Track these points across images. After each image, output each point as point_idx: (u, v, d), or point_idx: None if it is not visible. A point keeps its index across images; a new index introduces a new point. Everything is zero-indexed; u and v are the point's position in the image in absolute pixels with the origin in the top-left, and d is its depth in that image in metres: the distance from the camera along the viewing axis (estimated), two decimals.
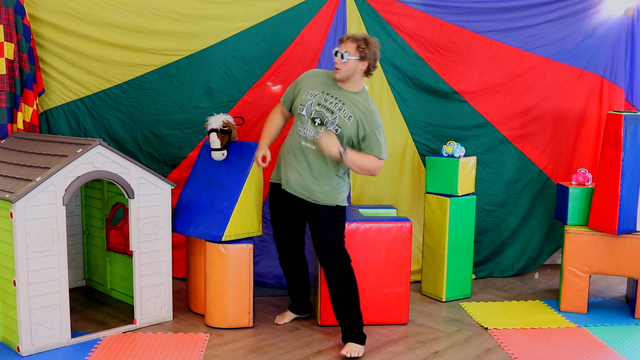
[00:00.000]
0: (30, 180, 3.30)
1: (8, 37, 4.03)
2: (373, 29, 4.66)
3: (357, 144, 3.43)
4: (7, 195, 3.22)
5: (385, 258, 3.88)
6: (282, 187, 3.57)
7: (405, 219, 3.92)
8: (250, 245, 3.78)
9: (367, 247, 3.84)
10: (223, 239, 3.71)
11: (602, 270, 4.16)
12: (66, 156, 3.42)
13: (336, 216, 3.52)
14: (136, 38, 4.31)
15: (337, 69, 3.38)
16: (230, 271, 3.75)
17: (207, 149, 4.06)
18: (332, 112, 3.39)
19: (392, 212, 4.23)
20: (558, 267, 5.27)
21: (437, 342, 3.71)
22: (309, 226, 3.62)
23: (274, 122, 3.68)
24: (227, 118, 3.96)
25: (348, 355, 3.41)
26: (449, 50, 4.75)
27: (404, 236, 3.88)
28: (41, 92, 4.24)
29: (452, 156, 4.41)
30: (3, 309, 3.46)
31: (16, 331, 3.34)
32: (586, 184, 4.35)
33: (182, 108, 4.49)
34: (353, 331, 3.52)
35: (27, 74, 4.10)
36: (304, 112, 3.45)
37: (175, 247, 4.10)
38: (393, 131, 4.77)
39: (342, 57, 3.33)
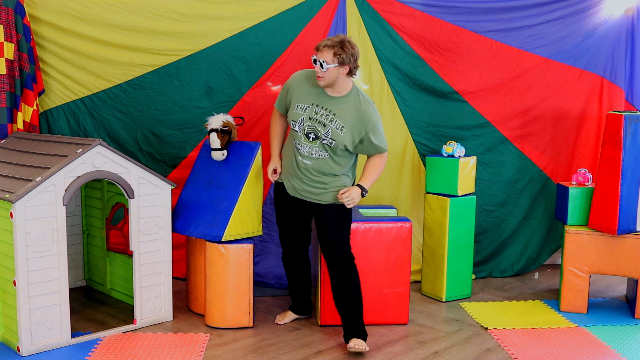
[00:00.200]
0: (30, 180, 3.30)
1: (8, 37, 4.03)
2: (373, 29, 4.67)
3: (354, 147, 3.44)
4: (7, 195, 3.22)
5: (385, 258, 3.88)
6: (290, 194, 3.58)
7: (405, 219, 3.92)
8: (250, 245, 3.78)
9: (367, 247, 3.84)
10: (223, 239, 3.71)
11: (602, 270, 4.16)
12: (66, 156, 3.42)
13: (343, 214, 3.53)
14: (136, 38, 4.31)
15: (318, 77, 3.35)
16: (230, 271, 3.75)
17: (207, 149, 4.06)
18: (324, 125, 3.39)
19: (392, 212, 4.23)
20: (558, 267, 5.27)
21: (437, 342, 3.71)
22: (316, 225, 3.63)
23: (277, 127, 3.69)
24: (227, 118, 3.96)
25: (355, 349, 3.43)
26: (449, 50, 4.75)
27: (404, 236, 3.88)
28: (41, 92, 4.24)
29: (452, 156, 4.41)
30: (3, 309, 3.46)
31: (16, 331, 3.34)
32: (586, 184, 4.35)
33: (182, 108, 4.49)
34: (356, 328, 3.53)
35: (27, 74, 4.10)
36: (297, 129, 3.46)
37: (175, 247, 4.10)
38: (393, 131, 4.77)
39: (321, 66, 3.29)
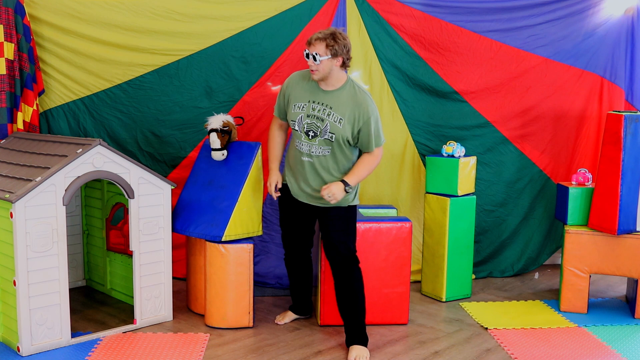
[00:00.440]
0: (30, 180, 3.30)
1: (8, 37, 4.03)
2: (373, 29, 4.67)
3: (354, 139, 3.40)
4: (7, 195, 3.22)
5: (385, 258, 3.88)
6: (294, 196, 3.58)
7: (405, 219, 3.92)
8: (250, 245, 3.78)
9: (367, 247, 3.84)
10: (223, 239, 3.71)
11: (602, 270, 4.16)
12: (66, 156, 3.42)
13: (348, 216, 3.51)
14: (136, 38, 4.31)
15: (312, 71, 3.34)
16: (230, 271, 3.75)
17: (207, 149, 4.06)
18: (322, 120, 3.37)
19: (392, 212, 4.23)
20: (558, 267, 5.27)
21: (437, 342, 3.71)
22: (320, 228, 3.61)
23: (276, 139, 3.66)
24: (227, 118, 3.96)
25: None
26: (449, 50, 4.75)
27: (404, 236, 3.88)
28: (41, 92, 4.24)
29: (452, 156, 4.41)
30: (3, 309, 3.46)
31: (16, 331, 3.34)
32: (586, 184, 4.35)
33: (182, 108, 4.49)
34: (357, 333, 3.52)
35: (27, 74, 4.10)
36: (297, 128, 3.45)
37: (175, 247, 4.11)
38: (393, 131, 4.77)
39: (314, 59, 3.29)
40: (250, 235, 3.86)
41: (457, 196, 4.35)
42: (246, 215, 3.81)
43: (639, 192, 4.09)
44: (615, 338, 3.79)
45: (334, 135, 3.36)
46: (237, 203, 3.75)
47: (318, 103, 3.40)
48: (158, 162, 4.54)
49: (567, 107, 4.97)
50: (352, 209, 3.52)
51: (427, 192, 4.46)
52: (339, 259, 3.49)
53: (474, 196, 4.47)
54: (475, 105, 4.85)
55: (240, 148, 3.93)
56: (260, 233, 3.94)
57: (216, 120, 3.89)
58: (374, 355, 3.50)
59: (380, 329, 3.87)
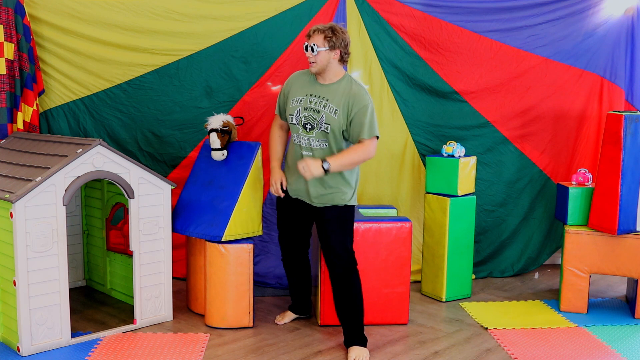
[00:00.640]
0: (30, 180, 3.30)
1: (8, 37, 4.03)
2: (373, 29, 4.67)
3: (347, 130, 3.39)
4: (7, 195, 3.22)
5: (385, 258, 3.88)
6: (292, 195, 3.57)
7: (405, 219, 3.92)
8: (250, 245, 3.78)
9: (367, 247, 3.84)
10: (223, 239, 3.71)
11: (602, 270, 4.16)
12: (66, 156, 3.42)
13: (345, 216, 3.50)
14: (136, 38, 4.31)
15: (311, 63, 3.37)
16: (230, 271, 3.75)
17: (207, 149, 4.06)
18: (319, 112, 3.38)
19: (392, 212, 4.23)
20: (558, 267, 5.27)
21: (437, 342, 3.71)
22: (317, 228, 3.60)
23: (277, 139, 3.67)
24: (227, 118, 3.96)
25: None
26: (449, 50, 4.75)
27: (404, 236, 3.88)
28: (41, 92, 4.24)
29: (452, 156, 4.41)
30: (3, 309, 3.46)
31: (16, 331, 3.34)
32: (586, 184, 4.35)
33: (182, 108, 4.49)
34: (356, 334, 3.52)
35: (27, 74, 4.10)
36: (294, 122, 3.46)
37: (175, 247, 4.10)
38: (393, 131, 4.77)
39: (312, 50, 3.33)
40: (250, 235, 3.86)
41: (457, 196, 4.35)
42: (246, 215, 3.81)
43: (639, 192, 4.09)
44: (615, 338, 3.79)
45: (329, 126, 3.36)
46: (237, 203, 3.75)
47: (315, 96, 3.41)
48: (158, 162, 4.54)
49: (567, 107, 4.97)
50: (350, 210, 3.51)
51: (427, 192, 4.46)
52: (337, 260, 3.48)
53: (474, 196, 4.47)
54: (475, 105, 4.85)
55: (240, 148, 3.93)
56: (260, 233, 3.94)
57: (216, 120, 3.89)
58: (374, 355, 3.50)
59: (380, 329, 3.87)
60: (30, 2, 4.11)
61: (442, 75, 4.78)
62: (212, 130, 3.87)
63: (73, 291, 4.24)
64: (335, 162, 3.30)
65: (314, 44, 3.32)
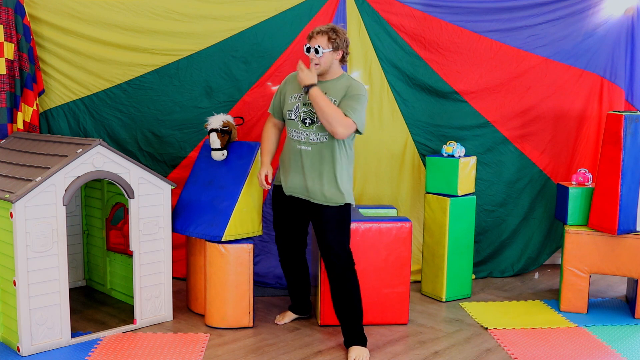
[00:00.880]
0: (30, 180, 3.30)
1: (8, 37, 4.03)
2: (373, 29, 4.67)
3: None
4: (7, 195, 3.22)
5: (385, 258, 3.88)
6: (286, 193, 3.57)
7: (405, 219, 3.92)
8: (250, 245, 3.78)
9: (367, 247, 3.84)
10: (223, 239, 3.71)
11: (602, 270, 4.16)
12: (66, 156, 3.42)
13: (342, 215, 3.50)
14: (136, 38, 4.31)
15: (315, 64, 3.38)
16: (230, 271, 3.75)
17: (207, 149, 4.06)
18: None
19: (392, 212, 4.23)
20: (558, 267, 5.27)
21: (437, 342, 3.71)
22: (314, 227, 3.60)
23: (269, 136, 3.68)
24: (227, 118, 3.96)
25: None
26: (449, 50, 4.75)
27: (404, 236, 3.88)
28: (41, 92, 4.24)
29: (452, 156, 4.41)
30: (3, 309, 3.46)
31: (16, 331, 3.34)
32: (586, 184, 4.35)
33: (182, 108, 4.49)
34: (355, 333, 3.52)
35: (27, 74, 4.10)
36: (293, 117, 3.47)
37: (175, 247, 4.10)
38: (393, 131, 4.77)
39: (316, 52, 3.35)
40: (250, 235, 3.86)
41: (457, 196, 4.35)
42: (246, 215, 3.81)
43: (639, 192, 4.09)
44: (615, 338, 3.79)
45: None
46: (237, 203, 3.75)
47: None
48: (158, 162, 4.54)
49: (567, 107, 4.97)
50: (346, 209, 3.51)
51: (427, 192, 4.46)
52: (336, 260, 3.48)
53: (474, 196, 4.47)
54: (475, 105, 4.85)
55: (240, 148, 3.93)
56: (260, 233, 3.95)
57: (216, 120, 3.89)
58: (374, 355, 3.50)
59: (380, 329, 3.87)
60: (30, 2, 4.12)
61: (442, 75, 4.79)
62: (212, 130, 3.87)
63: (73, 291, 4.24)
64: (319, 93, 3.29)
65: (318, 45, 3.34)
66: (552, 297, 4.55)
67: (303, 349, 3.58)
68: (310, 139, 3.43)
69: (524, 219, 5.07)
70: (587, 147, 5.06)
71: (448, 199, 4.31)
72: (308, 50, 3.38)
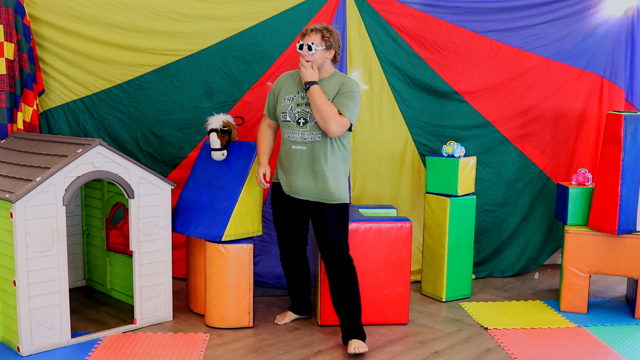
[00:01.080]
0: (30, 180, 3.30)
1: (8, 37, 4.03)
2: (373, 29, 4.67)
3: None
4: (7, 195, 3.22)
5: (385, 258, 3.88)
6: (286, 193, 3.58)
7: (405, 219, 3.92)
8: (250, 245, 3.78)
9: (367, 247, 3.84)
10: (223, 239, 3.71)
11: (602, 270, 4.16)
12: (66, 156, 3.42)
13: (341, 214, 3.52)
14: (136, 38, 4.31)
15: (307, 61, 3.40)
16: (230, 271, 3.75)
17: (207, 149, 4.06)
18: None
19: (392, 212, 4.23)
20: (558, 267, 5.27)
21: (437, 342, 3.71)
22: (313, 226, 3.61)
23: (265, 137, 3.69)
24: (227, 118, 3.96)
25: (355, 352, 3.42)
26: (449, 50, 4.76)
27: (404, 236, 3.88)
28: (41, 92, 4.24)
29: (452, 156, 4.41)
30: (3, 309, 3.46)
31: (16, 331, 3.34)
32: (586, 184, 4.35)
33: (182, 108, 4.49)
34: (354, 329, 3.53)
35: (27, 74, 4.10)
36: (288, 118, 3.49)
37: (175, 247, 4.11)
38: (393, 131, 4.77)
39: (309, 49, 3.37)
40: (250, 235, 3.86)
41: (457, 196, 4.35)
42: (246, 215, 3.81)
43: (639, 192, 4.09)
44: (615, 338, 3.79)
45: None
46: (237, 203, 3.75)
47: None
48: (158, 162, 4.54)
49: (567, 107, 4.97)
50: (345, 207, 3.53)
51: (427, 192, 4.46)
52: (335, 258, 3.49)
53: (474, 196, 4.47)
54: (475, 105, 4.85)
55: (240, 148, 3.93)
56: (260, 233, 3.95)
57: (216, 120, 3.89)
58: (374, 355, 3.50)
59: (380, 329, 3.87)
60: (30, 2, 4.12)
61: (442, 75, 4.79)
62: (212, 130, 3.87)
63: (73, 291, 4.24)
64: (319, 91, 3.33)
65: (312, 43, 3.37)
66: (552, 297, 4.55)
67: (303, 349, 3.58)
68: (305, 139, 3.44)
69: (524, 219, 5.07)
70: (587, 147, 5.06)
71: (448, 199, 4.31)
72: (301, 47, 3.40)
